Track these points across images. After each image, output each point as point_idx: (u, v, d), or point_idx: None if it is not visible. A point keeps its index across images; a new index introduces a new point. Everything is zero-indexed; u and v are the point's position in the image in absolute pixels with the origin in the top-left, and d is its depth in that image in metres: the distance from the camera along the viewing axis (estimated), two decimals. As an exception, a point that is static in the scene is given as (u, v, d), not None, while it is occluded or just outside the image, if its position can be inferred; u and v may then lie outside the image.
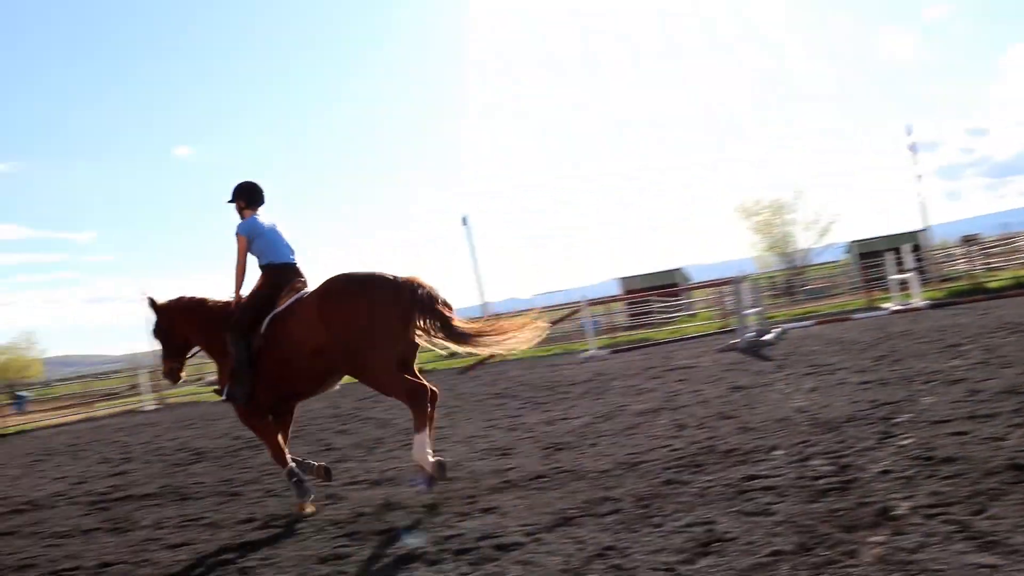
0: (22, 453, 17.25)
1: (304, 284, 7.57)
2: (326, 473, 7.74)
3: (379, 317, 6.66)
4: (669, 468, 6.85)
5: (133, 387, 46.40)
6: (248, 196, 7.80)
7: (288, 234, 7.80)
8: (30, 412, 37.50)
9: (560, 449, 8.51)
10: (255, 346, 7.21)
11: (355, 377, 7.05)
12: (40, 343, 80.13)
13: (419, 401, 6.80)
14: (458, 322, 6.83)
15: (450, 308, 6.88)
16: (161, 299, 7.98)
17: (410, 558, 5.40)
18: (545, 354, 25.40)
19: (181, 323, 7.83)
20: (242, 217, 7.72)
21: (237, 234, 7.53)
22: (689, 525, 5.20)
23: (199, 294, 7.98)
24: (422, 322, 6.77)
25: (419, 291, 6.71)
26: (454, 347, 6.91)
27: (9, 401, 35.51)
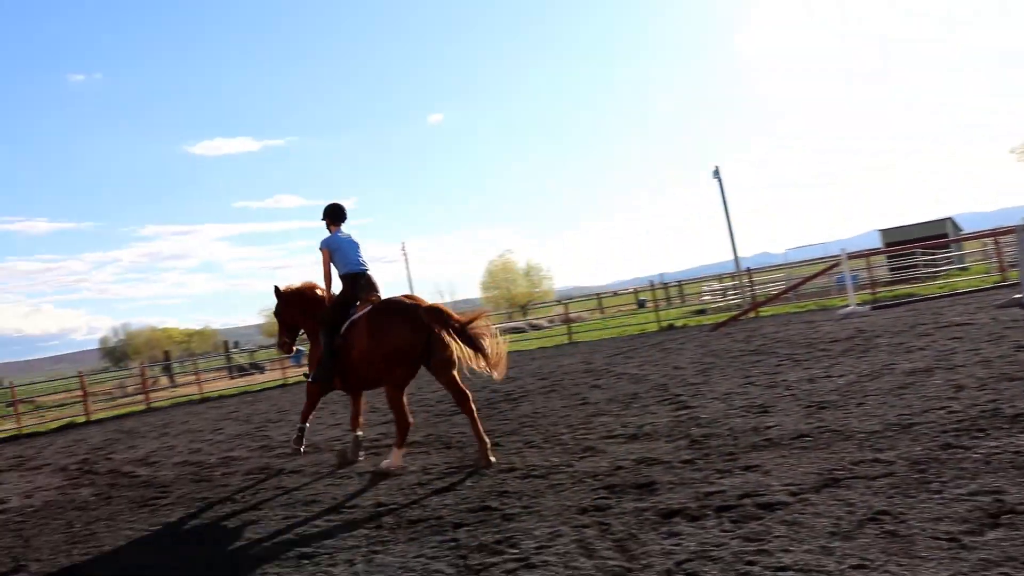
0: (303, 402, 19.09)
1: (377, 298, 8.91)
2: (341, 460, 9.44)
3: (404, 341, 8.20)
4: (947, 431, 6.47)
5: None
6: (333, 215, 9.34)
7: (363, 247, 9.35)
8: (304, 365, 41.38)
9: (823, 408, 8.25)
10: (336, 344, 8.78)
11: (377, 384, 9.01)
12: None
13: (403, 424, 8.57)
14: (461, 319, 8.12)
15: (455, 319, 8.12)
16: (283, 287, 9.65)
17: (670, 512, 5.51)
18: (800, 310, 24.48)
19: (292, 310, 9.61)
20: (329, 232, 9.24)
21: (320, 247, 9.14)
22: (973, 494, 4.91)
23: (312, 287, 9.58)
24: (443, 333, 8.04)
25: (433, 312, 8.15)
26: (471, 351, 8.15)
27: (289, 354, 39.39)
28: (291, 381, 28.35)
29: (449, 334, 8.02)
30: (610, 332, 29.62)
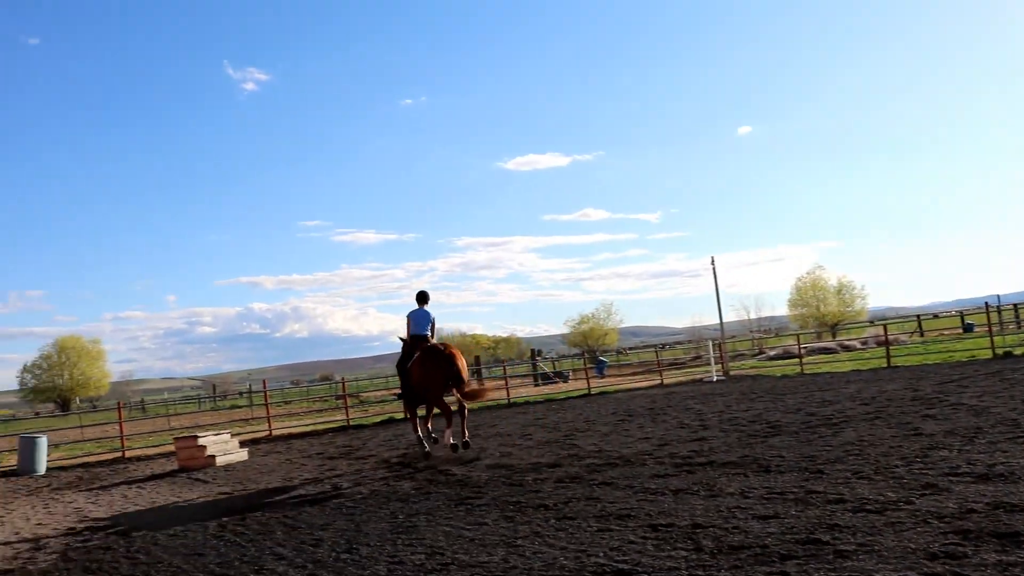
0: (607, 413, 19.20)
1: (427, 344, 13.77)
2: (425, 455, 13.59)
3: (437, 372, 13.16)
4: None
5: (697, 357, 49.10)
6: (418, 298, 14.41)
7: (431, 318, 14.24)
8: (608, 376, 41.75)
9: None
10: (407, 372, 14.01)
11: (427, 399, 13.88)
12: (617, 314, 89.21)
13: (446, 411, 13.40)
14: (465, 383, 13.29)
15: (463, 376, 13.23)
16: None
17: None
18: None
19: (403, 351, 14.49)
20: (416, 306, 14.29)
21: (407, 316, 14.35)
22: None
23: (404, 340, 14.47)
24: (449, 378, 13.09)
25: (454, 364, 13.11)
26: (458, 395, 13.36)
27: (591, 365, 39.92)
28: (595, 391, 28.70)
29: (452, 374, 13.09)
30: (934, 357, 27.18)
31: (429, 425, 14.92)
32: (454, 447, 13.11)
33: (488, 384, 28.77)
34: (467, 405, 13.72)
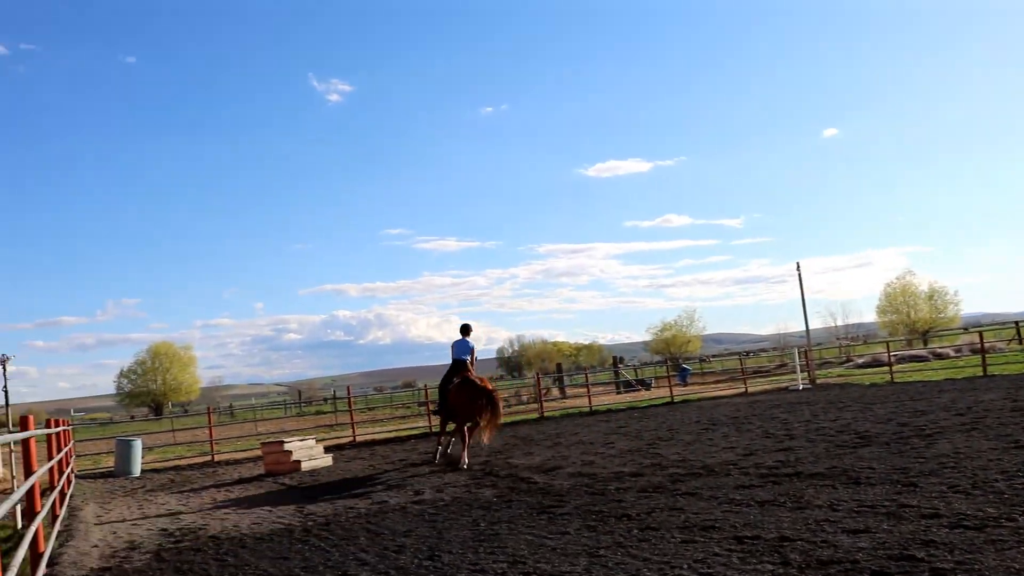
0: (691, 421, 18.94)
1: (465, 374, 15.33)
2: (447, 462, 15.25)
3: (470, 400, 14.69)
4: None
5: (782, 365, 48.13)
6: (462, 330, 15.96)
7: (471, 347, 15.84)
8: (691, 384, 41.24)
9: None
10: (446, 394, 15.49)
11: (463, 418, 15.15)
12: (700, 321, 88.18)
13: (465, 435, 15.07)
14: (498, 414, 14.68)
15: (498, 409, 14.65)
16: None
17: None
18: None
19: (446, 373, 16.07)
20: (460, 336, 15.93)
21: (451, 344, 15.90)
22: None
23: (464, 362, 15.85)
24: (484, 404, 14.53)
25: (487, 395, 14.55)
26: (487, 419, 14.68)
27: (674, 372, 39.50)
28: (678, 399, 28.36)
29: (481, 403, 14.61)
30: (1036, 366, 26.08)
31: (449, 438, 16.37)
32: (467, 466, 14.32)
33: (569, 391, 29.27)
34: (486, 436, 15.08)
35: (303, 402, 73.00)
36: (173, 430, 35.25)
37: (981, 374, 25.16)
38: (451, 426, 15.92)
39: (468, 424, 14.94)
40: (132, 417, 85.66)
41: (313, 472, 16.01)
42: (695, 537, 6.95)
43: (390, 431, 25.65)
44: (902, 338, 61.24)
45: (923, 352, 43.34)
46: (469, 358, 15.75)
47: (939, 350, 43.16)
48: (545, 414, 26.60)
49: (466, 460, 14.45)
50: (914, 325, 64.95)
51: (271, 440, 17.78)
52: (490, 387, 14.88)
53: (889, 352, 32.86)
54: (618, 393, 37.88)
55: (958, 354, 39.83)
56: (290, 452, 16.59)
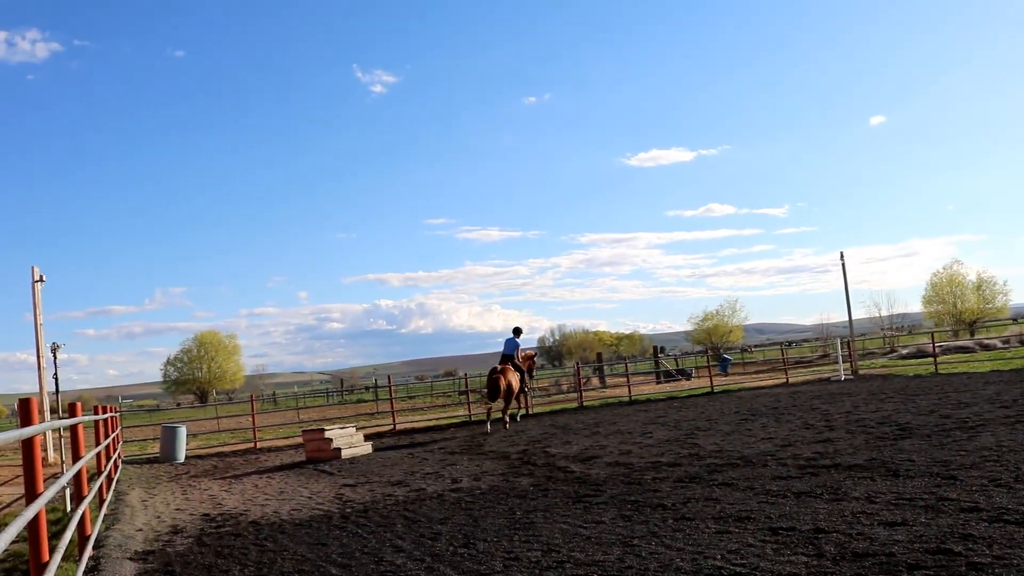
0: (730, 411, 18.83)
1: (505, 365, 20.43)
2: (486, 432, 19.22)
3: (492, 385, 19.84)
4: None
5: (824, 356, 47.60)
6: (514, 331, 21.47)
7: (516, 344, 21.31)
8: (732, 374, 40.95)
9: None
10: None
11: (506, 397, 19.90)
12: (742, 311, 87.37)
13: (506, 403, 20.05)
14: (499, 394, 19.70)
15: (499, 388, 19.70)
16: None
17: None
18: None
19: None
20: (512, 335, 21.42)
21: (505, 341, 21.49)
22: None
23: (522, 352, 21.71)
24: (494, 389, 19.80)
25: (496, 381, 19.87)
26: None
27: (715, 362, 39.28)
28: (718, 389, 28.21)
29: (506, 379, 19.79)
30: (1086, 358, 25.51)
31: (507, 419, 20.65)
32: (505, 424, 20.23)
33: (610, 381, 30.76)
34: (495, 406, 20.24)
35: (345, 390, 73.77)
36: (217, 417, 35.81)
37: (1029, 366, 24.69)
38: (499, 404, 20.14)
39: (497, 400, 19.82)
40: (178, 404, 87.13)
41: (353, 460, 16.19)
42: (730, 528, 6.93)
43: (430, 420, 25.82)
44: (948, 328, 60.28)
45: (969, 343, 42.61)
46: (514, 354, 21.14)
47: (986, 341, 42.40)
48: (584, 403, 26.59)
49: (507, 423, 20.27)
50: (961, 315, 63.85)
51: (312, 428, 17.99)
52: (507, 374, 19.97)
53: (934, 343, 32.33)
54: (658, 383, 37.71)
55: (1006, 345, 39.12)
56: (331, 440, 16.78)
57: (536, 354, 24.72)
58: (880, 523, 6.55)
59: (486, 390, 20.84)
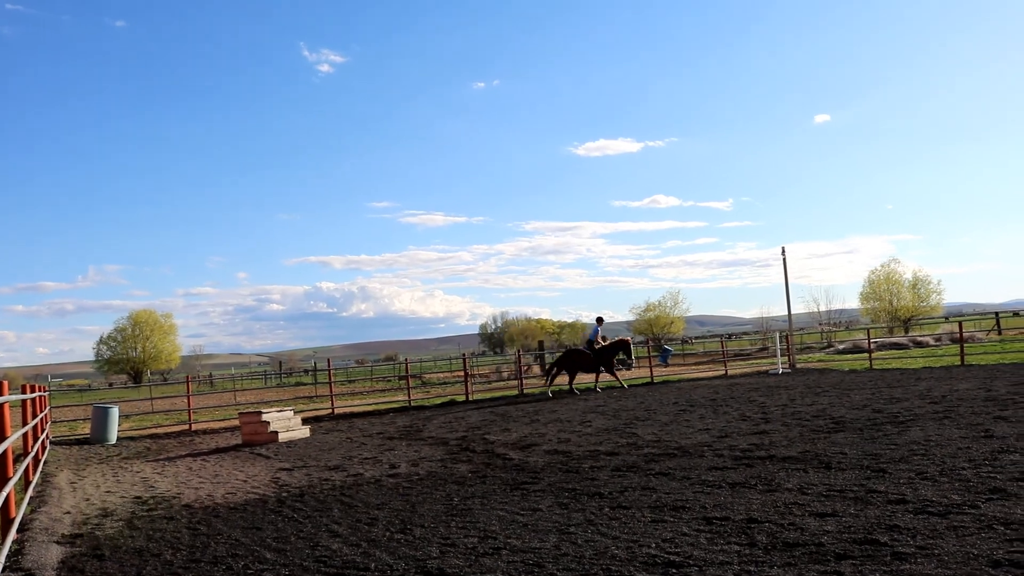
0: (669, 402, 19.07)
1: (585, 347, 26.14)
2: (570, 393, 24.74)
3: (582, 359, 25.63)
4: None
5: (763, 349, 48.43)
6: (598, 320, 26.88)
7: (596, 329, 26.33)
8: (672, 365, 41.41)
9: None
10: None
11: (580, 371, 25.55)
12: (683, 302, 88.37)
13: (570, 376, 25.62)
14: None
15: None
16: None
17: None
18: None
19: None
20: (596, 324, 26.73)
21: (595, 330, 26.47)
22: None
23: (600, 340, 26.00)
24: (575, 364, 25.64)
25: (575, 359, 26.01)
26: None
27: (656, 353, 39.63)
28: (658, 380, 28.54)
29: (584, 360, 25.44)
30: (1011, 357, 26.38)
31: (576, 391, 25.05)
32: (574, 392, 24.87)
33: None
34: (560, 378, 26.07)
35: (283, 373, 73.04)
36: (151, 398, 35.21)
37: (959, 363, 25.41)
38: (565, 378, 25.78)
39: (569, 374, 25.31)
40: (110, 384, 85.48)
41: (290, 443, 16.06)
42: (665, 517, 7.05)
43: (369, 404, 25.71)
44: (884, 325, 61.71)
45: (903, 340, 43.68)
46: (594, 339, 25.52)
47: (919, 338, 43.50)
48: (525, 391, 26.72)
49: (620, 382, 26.05)
50: (896, 313, 65.35)
51: (249, 410, 17.81)
52: (573, 355, 25.80)
53: (870, 339, 33.13)
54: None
55: (938, 343, 40.20)
56: (268, 423, 16.63)
57: (628, 339, 26.41)
58: (811, 514, 6.72)
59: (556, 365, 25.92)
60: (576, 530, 6.83)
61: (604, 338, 26.24)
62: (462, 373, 27.59)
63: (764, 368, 31.50)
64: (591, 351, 25.28)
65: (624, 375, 32.78)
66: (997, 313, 57.78)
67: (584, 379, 28.01)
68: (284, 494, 9.91)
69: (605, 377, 26.44)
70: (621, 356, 26.27)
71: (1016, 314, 72.52)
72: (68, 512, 9.63)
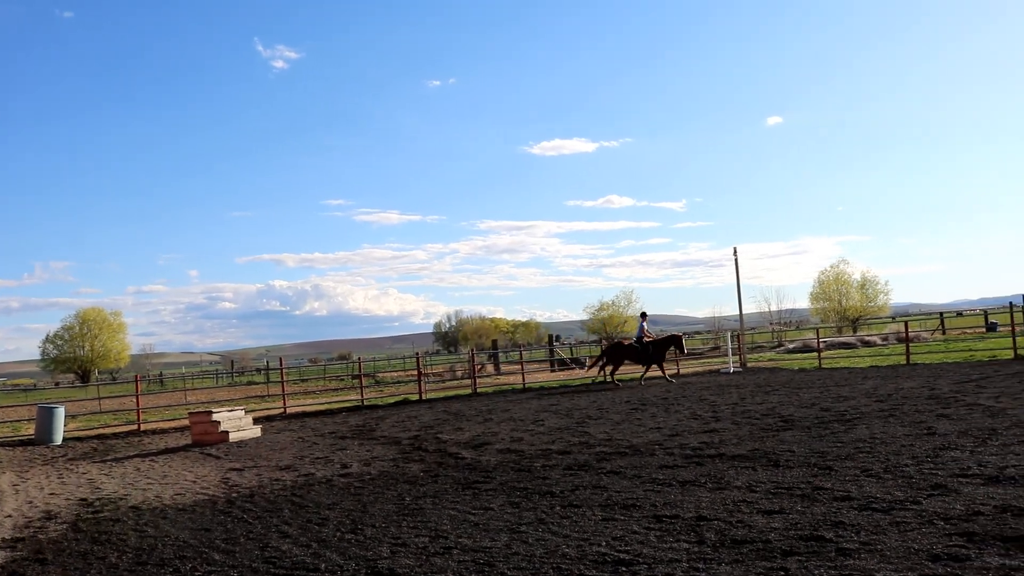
0: (621, 401, 19.19)
1: (635, 340, 26.10)
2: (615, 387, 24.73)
3: (630, 351, 25.82)
4: None
5: (715, 348, 48.95)
6: (642, 315, 26.73)
7: (641, 324, 26.25)
8: (625, 364, 41.62)
9: None
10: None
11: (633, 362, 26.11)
12: (637, 302, 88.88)
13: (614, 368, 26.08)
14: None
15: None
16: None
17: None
18: None
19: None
20: (641, 319, 26.63)
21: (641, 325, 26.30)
22: None
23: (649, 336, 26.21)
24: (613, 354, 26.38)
25: (620, 352, 26.35)
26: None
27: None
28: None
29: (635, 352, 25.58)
30: (954, 356, 26.94)
31: (612, 378, 25.92)
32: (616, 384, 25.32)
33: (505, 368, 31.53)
34: (607, 369, 26.13)
35: (235, 372, 72.16)
36: (99, 398, 34.55)
37: (904, 362, 25.90)
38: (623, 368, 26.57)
39: (613, 365, 25.86)
40: (57, 384, 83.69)
41: (241, 443, 15.89)
42: (615, 515, 7.10)
43: (322, 403, 25.50)
44: (833, 325, 62.71)
45: (852, 340, 44.42)
46: (641, 333, 25.87)
47: (867, 338, 44.27)
48: (478, 390, 26.72)
49: (616, 383, 25.38)
50: (845, 313, 66.40)
51: (199, 410, 17.57)
52: (619, 348, 26.19)
53: (819, 338, 33.64)
54: (552, 371, 38.13)
55: (885, 342, 40.94)
56: (218, 423, 16.42)
57: (680, 334, 27.37)
58: (759, 511, 6.81)
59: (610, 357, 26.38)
60: (527, 529, 6.86)
61: (671, 336, 26.55)
62: (416, 372, 27.46)
63: (716, 367, 31.83)
64: (640, 345, 25.60)
65: (580, 373, 32.94)
66: (942, 314, 59.05)
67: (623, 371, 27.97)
68: (234, 495, 9.81)
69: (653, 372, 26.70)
70: (574, 356, 26.54)
71: (960, 314, 74.11)
72: (9, 516, 9.43)
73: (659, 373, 26.11)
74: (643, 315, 26.90)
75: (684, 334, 28.03)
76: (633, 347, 25.84)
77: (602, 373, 26.83)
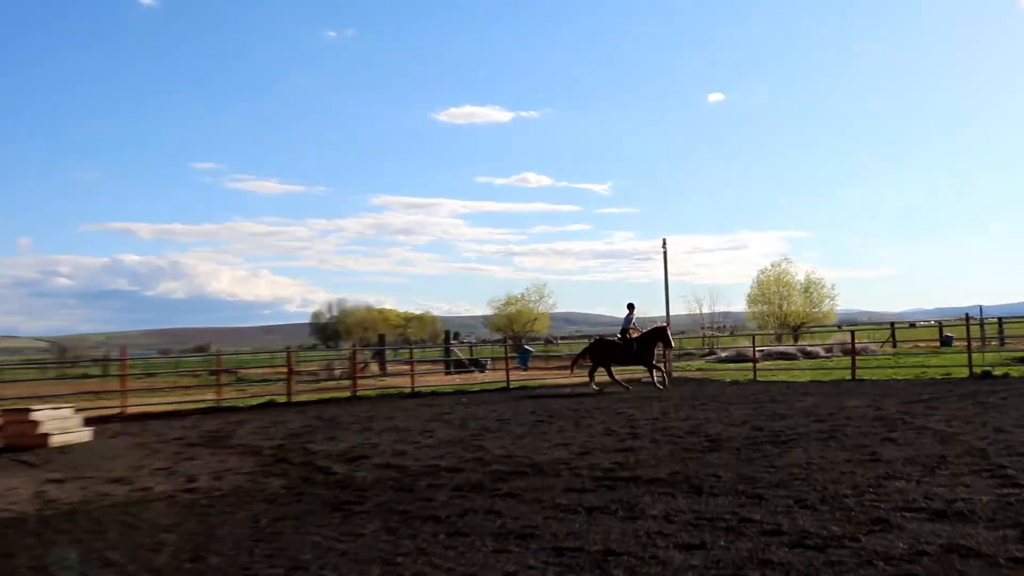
0: (526, 411, 19.23)
1: (625, 334, 26.37)
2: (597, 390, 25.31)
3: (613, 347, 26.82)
4: None
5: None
6: (629, 306, 26.73)
7: (628, 317, 26.61)
8: (533, 368, 41.86)
9: None
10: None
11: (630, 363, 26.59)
12: (550, 297, 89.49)
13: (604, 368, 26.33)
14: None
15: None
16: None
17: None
18: None
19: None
20: (628, 310, 26.75)
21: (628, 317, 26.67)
22: None
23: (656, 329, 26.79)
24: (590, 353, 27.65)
25: (597, 350, 27.10)
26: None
27: (513, 354, 39.97)
28: (515, 385, 28.78)
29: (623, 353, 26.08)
30: (905, 372, 27.90)
31: (592, 380, 26.22)
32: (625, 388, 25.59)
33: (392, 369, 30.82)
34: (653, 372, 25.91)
35: (67, 362, 70.11)
36: None
37: (849, 378, 26.68)
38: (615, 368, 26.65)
39: (595, 365, 26.32)
40: None
41: (65, 449, 15.38)
42: (509, 546, 7.04)
43: (170, 403, 24.89)
44: (771, 332, 64.25)
45: (792, 349, 45.64)
46: (628, 326, 26.32)
47: (809, 348, 45.52)
48: (359, 393, 26.48)
49: (660, 382, 25.69)
50: (786, 318, 68.13)
51: (15, 408, 16.93)
52: (599, 345, 27.21)
53: (755, 347, 34.37)
54: (447, 374, 38.09)
55: (828, 354, 42.14)
56: (37, 423, 15.86)
57: (664, 326, 26.94)
58: (676, 545, 6.84)
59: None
60: (404, 560, 6.75)
61: (657, 328, 26.74)
62: (286, 369, 27.03)
63: (637, 376, 32.25)
64: (624, 341, 26.06)
65: (479, 377, 32.97)
66: (893, 323, 61.06)
67: (553, 378, 27.86)
68: (49, 512, 9.45)
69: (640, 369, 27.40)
70: (473, 357, 26.34)
71: (912, 325, 77.04)
72: None
73: (649, 376, 26.21)
74: (630, 306, 26.92)
75: (669, 326, 27.65)
76: (617, 345, 26.41)
77: (573, 372, 28.02)
